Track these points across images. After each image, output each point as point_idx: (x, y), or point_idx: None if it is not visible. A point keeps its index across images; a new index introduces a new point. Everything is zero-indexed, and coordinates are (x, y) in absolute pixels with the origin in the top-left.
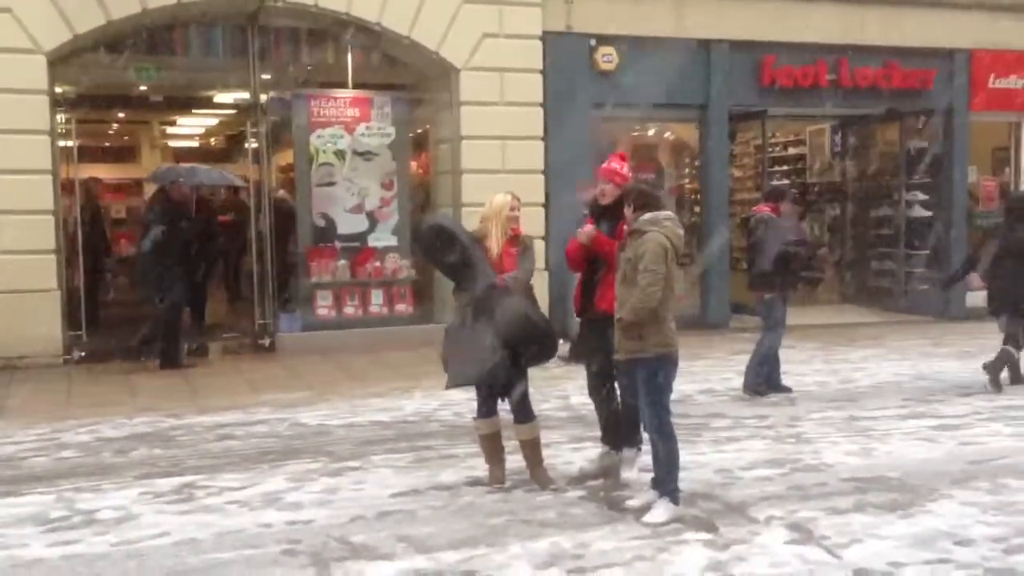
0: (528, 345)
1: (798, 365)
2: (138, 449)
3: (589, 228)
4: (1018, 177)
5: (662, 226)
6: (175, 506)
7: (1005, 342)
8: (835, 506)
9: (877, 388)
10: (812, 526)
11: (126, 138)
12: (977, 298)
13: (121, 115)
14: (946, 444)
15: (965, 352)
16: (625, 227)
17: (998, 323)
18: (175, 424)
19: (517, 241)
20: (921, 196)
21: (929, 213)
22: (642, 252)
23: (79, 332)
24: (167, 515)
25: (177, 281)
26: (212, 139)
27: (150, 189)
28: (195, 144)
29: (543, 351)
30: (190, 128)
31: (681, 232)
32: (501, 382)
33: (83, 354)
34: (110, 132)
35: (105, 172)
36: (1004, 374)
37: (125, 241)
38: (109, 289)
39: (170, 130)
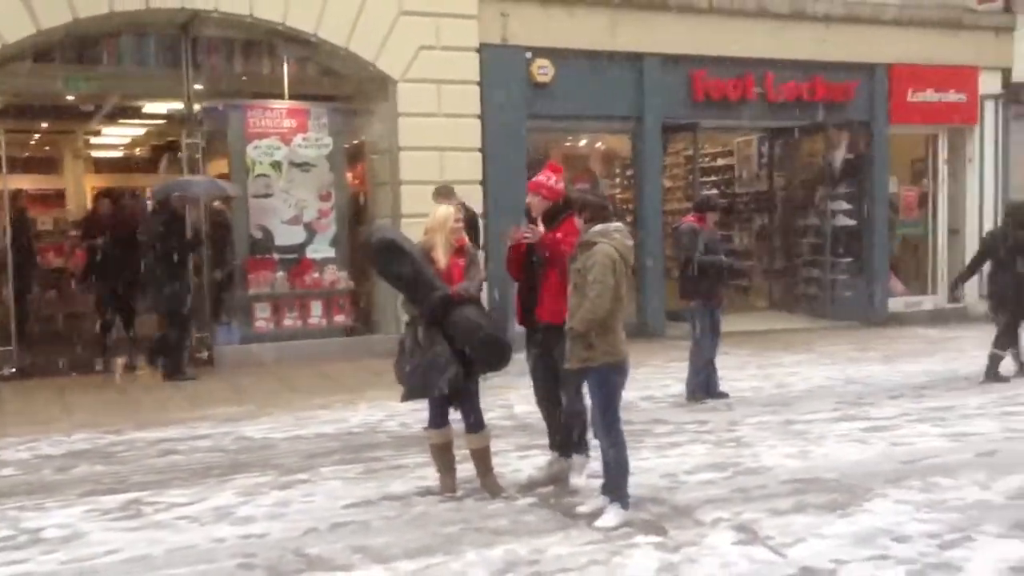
0: (484, 355)
1: (733, 371)
2: (79, 466)
3: (536, 228)
4: (936, 187)
5: (611, 238)
6: (123, 523)
7: (995, 344)
8: (777, 507)
9: (810, 392)
10: (757, 527)
11: (47, 148)
12: (898, 303)
13: (50, 125)
14: (878, 445)
15: (889, 356)
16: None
17: (995, 321)
18: (115, 440)
19: (463, 252)
20: (845, 205)
21: (853, 222)
22: (591, 264)
23: (8, 347)
24: (116, 532)
25: (184, 291)
26: (143, 150)
27: (73, 200)
28: (121, 154)
29: (498, 360)
30: (120, 139)
31: (630, 243)
32: (456, 393)
33: (13, 370)
34: (32, 143)
35: (30, 183)
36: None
37: (52, 254)
38: (37, 302)
39: (100, 141)
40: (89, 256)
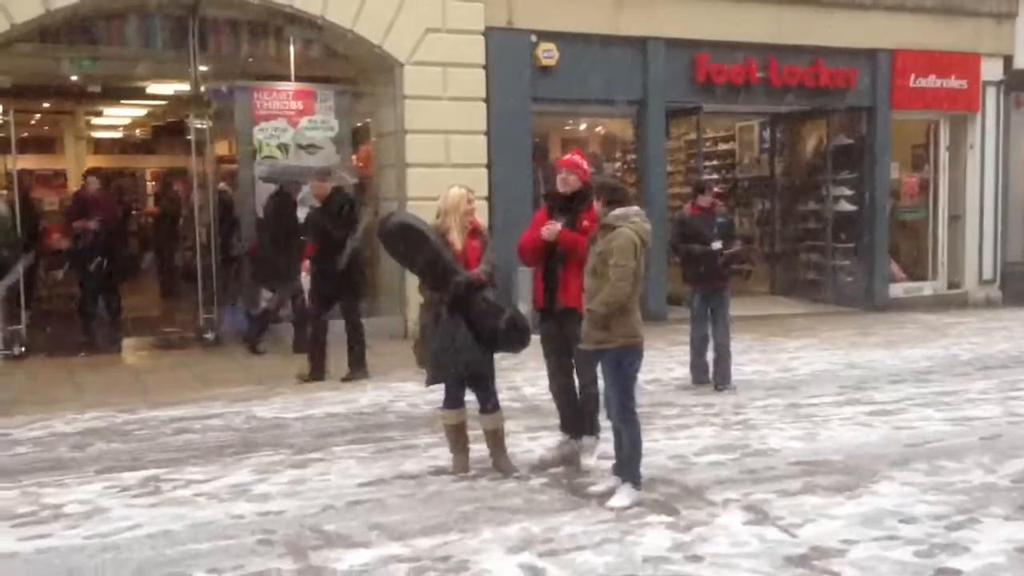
0: (507, 338)
1: (737, 356)
2: (95, 444)
3: (554, 225)
4: (937, 173)
5: (631, 222)
6: (143, 499)
7: None
8: (786, 488)
9: (814, 376)
10: (767, 507)
11: (47, 128)
12: (898, 289)
13: (56, 106)
14: (882, 428)
15: (891, 342)
16: (586, 221)
17: None
18: (129, 419)
19: (477, 234)
20: (846, 191)
21: (854, 207)
22: (613, 247)
23: (18, 326)
24: (137, 508)
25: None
26: (150, 131)
27: (74, 181)
28: (121, 135)
29: (519, 343)
30: (120, 119)
31: (649, 227)
32: (474, 375)
33: (23, 349)
34: (32, 123)
35: (33, 164)
36: None
37: (58, 235)
38: (43, 281)
39: (101, 121)
40: (73, 239)
